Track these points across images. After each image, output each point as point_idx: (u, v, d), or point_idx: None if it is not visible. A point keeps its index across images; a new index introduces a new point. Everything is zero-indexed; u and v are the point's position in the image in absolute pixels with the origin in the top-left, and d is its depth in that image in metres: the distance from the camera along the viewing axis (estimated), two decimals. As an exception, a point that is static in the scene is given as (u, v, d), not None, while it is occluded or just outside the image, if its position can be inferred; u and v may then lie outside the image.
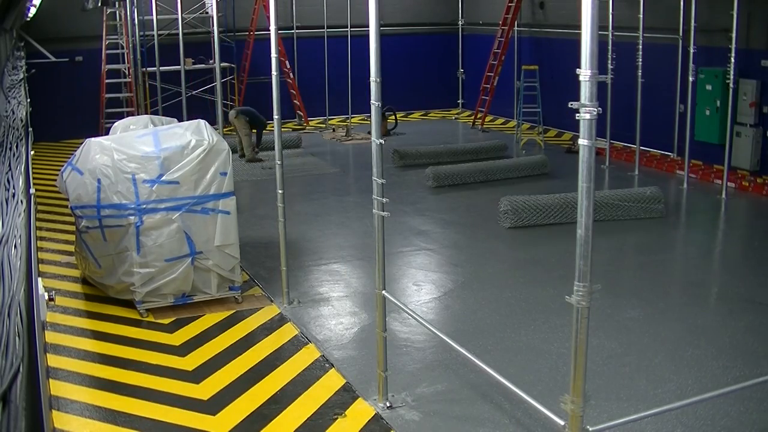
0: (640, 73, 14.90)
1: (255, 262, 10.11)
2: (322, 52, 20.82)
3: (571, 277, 4.35)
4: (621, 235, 11.21)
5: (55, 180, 9.46)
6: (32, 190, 6.20)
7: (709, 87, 14.87)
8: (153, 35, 16.83)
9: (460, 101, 23.72)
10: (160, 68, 16.25)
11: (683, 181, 14.17)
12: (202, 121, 8.99)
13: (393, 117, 19.91)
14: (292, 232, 10.01)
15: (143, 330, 8.22)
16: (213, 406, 6.62)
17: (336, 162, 16.90)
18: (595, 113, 4.11)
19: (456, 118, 22.54)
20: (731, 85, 12.97)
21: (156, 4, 17.41)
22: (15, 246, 3.80)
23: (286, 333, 8.10)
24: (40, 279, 4.53)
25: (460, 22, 23.44)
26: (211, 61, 19.28)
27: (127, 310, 8.61)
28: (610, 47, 14.93)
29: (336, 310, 8.76)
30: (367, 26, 6.11)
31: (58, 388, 6.87)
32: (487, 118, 20.60)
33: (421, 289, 9.32)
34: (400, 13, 22.08)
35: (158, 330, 8.22)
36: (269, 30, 8.38)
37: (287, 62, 20.49)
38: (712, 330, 8.06)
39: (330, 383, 7.00)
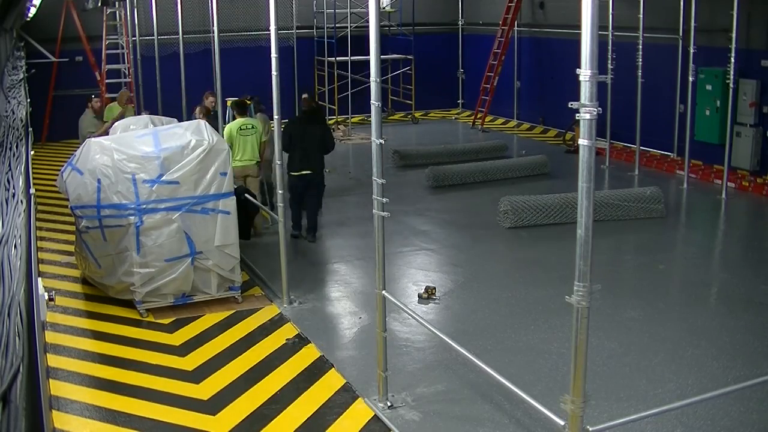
0: (640, 73, 14.90)
1: (255, 262, 10.11)
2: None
3: (571, 277, 4.35)
4: (621, 235, 11.20)
5: (55, 180, 9.46)
6: (32, 190, 6.20)
7: (709, 87, 14.86)
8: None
9: (460, 101, 23.70)
10: (335, 58, 19.15)
11: (683, 181, 14.17)
12: (202, 122, 8.99)
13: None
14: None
15: (143, 330, 8.21)
16: (213, 406, 6.62)
17: (336, 162, 16.88)
18: (595, 113, 4.11)
19: (456, 118, 22.52)
20: (731, 85, 12.97)
21: (156, 3, 17.36)
22: (15, 246, 3.80)
23: (286, 333, 8.10)
24: (40, 279, 4.53)
25: (460, 22, 23.43)
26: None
27: (127, 310, 8.61)
28: (610, 47, 14.91)
29: (336, 310, 8.77)
30: (367, 26, 6.11)
31: (58, 388, 6.87)
32: (487, 118, 20.60)
33: (421, 289, 9.31)
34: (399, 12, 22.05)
35: (158, 330, 8.21)
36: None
37: (97, 73, 18.91)
38: (712, 330, 8.06)
39: (330, 383, 7.00)
